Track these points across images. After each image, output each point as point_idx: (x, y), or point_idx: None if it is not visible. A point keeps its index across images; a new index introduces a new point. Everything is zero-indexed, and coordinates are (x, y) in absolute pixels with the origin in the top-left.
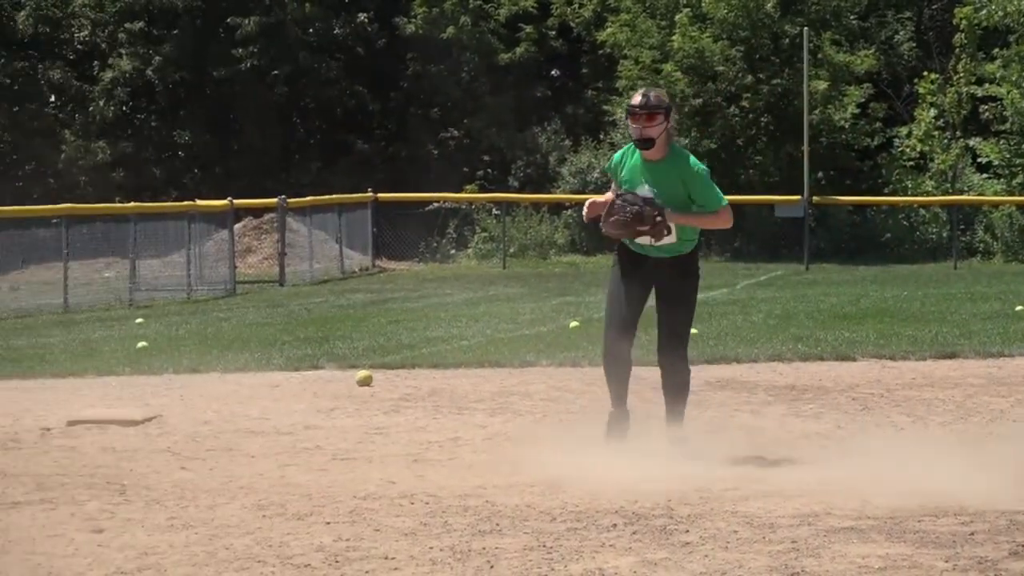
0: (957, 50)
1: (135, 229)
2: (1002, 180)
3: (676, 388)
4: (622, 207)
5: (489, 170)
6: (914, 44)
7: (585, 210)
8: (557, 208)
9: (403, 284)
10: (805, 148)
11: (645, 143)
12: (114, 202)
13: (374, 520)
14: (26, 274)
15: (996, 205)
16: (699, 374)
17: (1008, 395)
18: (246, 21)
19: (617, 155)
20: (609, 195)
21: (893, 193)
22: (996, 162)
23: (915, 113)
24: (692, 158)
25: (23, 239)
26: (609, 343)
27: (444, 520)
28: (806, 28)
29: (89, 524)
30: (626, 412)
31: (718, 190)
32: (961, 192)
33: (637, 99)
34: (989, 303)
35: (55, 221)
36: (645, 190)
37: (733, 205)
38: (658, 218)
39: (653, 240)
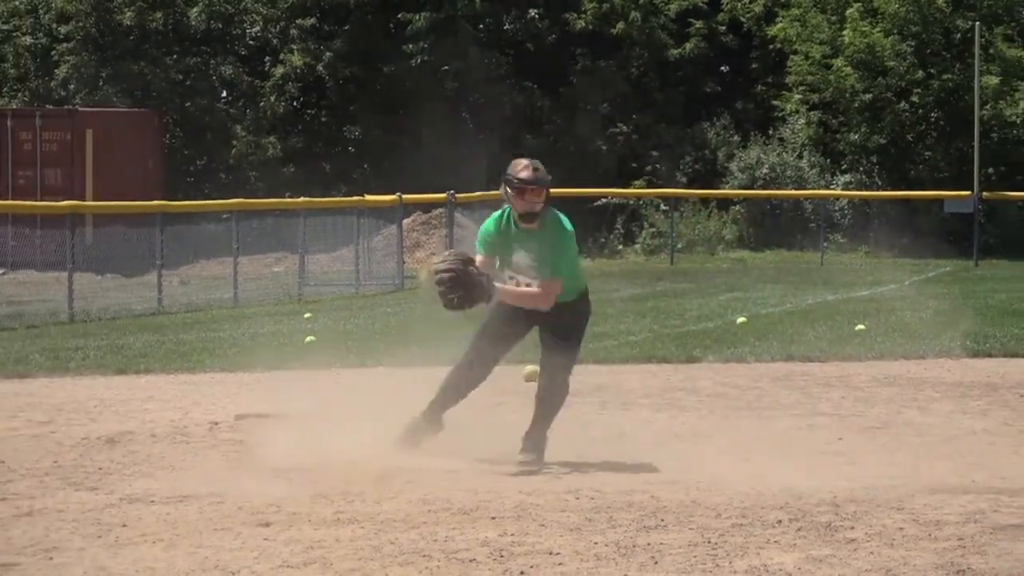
0: None
1: (304, 224)
2: None
3: (549, 397)
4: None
5: (657, 165)
6: None
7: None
8: (725, 203)
9: None
10: (976, 143)
11: (532, 217)
12: (284, 197)
13: (539, 515)
14: (196, 268)
15: None
16: (866, 370)
17: None
18: (417, 17)
19: (487, 227)
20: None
21: None
22: None
23: None
24: (565, 221)
25: (194, 234)
26: (472, 364)
27: (609, 515)
28: (978, 23)
29: (256, 518)
30: (440, 424)
31: (572, 259)
32: None
33: (527, 173)
34: None
35: (225, 216)
36: (522, 256)
37: (903, 200)
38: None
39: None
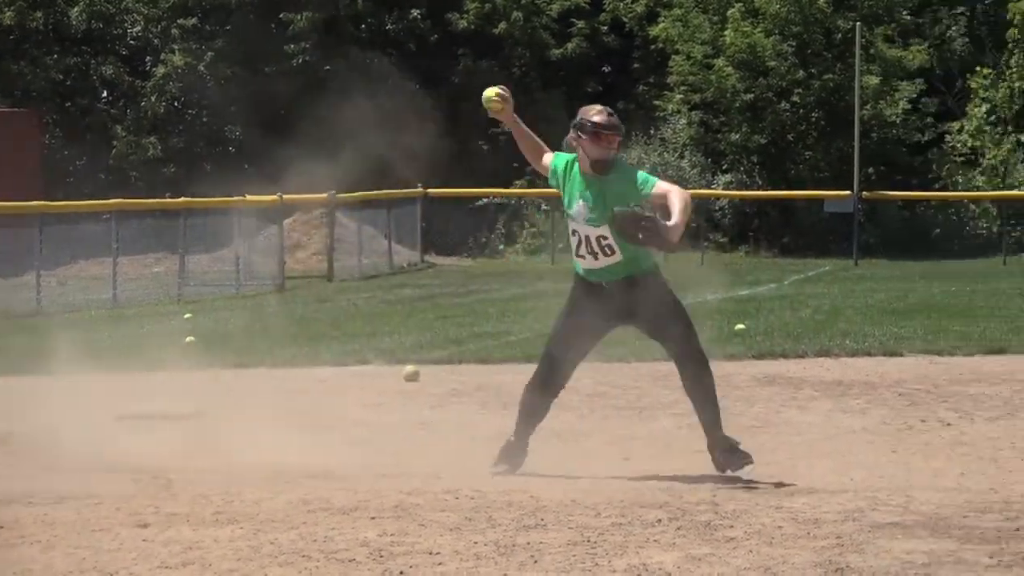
0: (1010, 45)
1: (185, 224)
2: None
3: (705, 392)
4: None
5: None
6: (966, 39)
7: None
8: None
9: (451, 279)
10: (856, 143)
11: (604, 165)
12: (164, 197)
13: (419, 515)
14: (75, 269)
15: None
16: (746, 370)
17: None
18: (298, 17)
19: (559, 161)
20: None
21: (943, 188)
22: None
23: (967, 108)
24: (639, 171)
25: (73, 234)
26: (543, 386)
27: (489, 515)
28: (859, 23)
29: (135, 519)
30: (526, 446)
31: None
32: (1012, 187)
33: (602, 117)
34: None
35: (105, 216)
36: (581, 208)
37: (783, 200)
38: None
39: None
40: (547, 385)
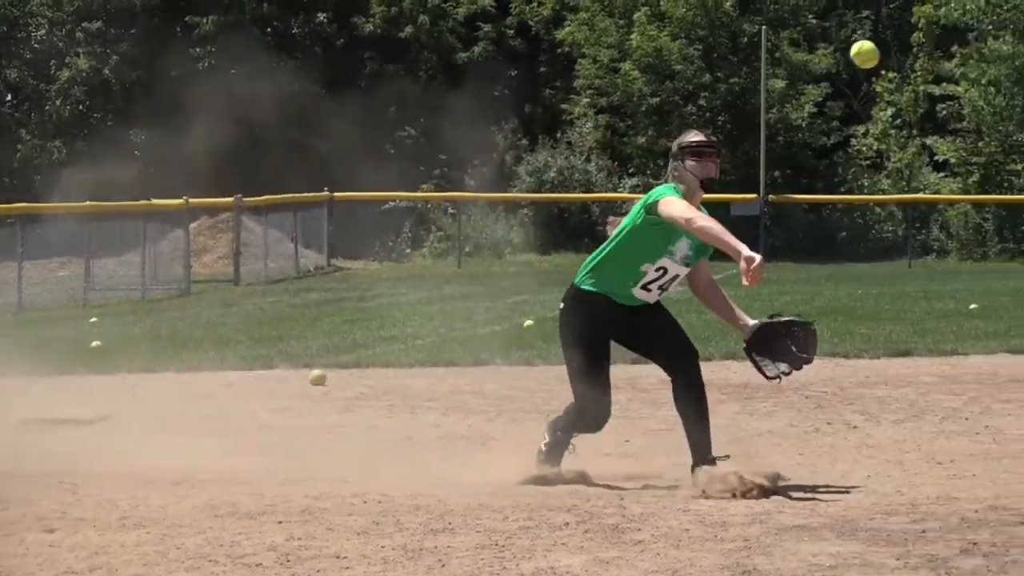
0: (915, 49)
1: (90, 228)
2: (958, 178)
3: (700, 409)
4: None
5: (445, 169)
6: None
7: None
8: (513, 207)
9: (358, 283)
10: (762, 147)
11: (707, 184)
12: (69, 201)
13: (326, 519)
14: None
15: (951, 203)
16: (653, 372)
17: (961, 393)
18: (204, 20)
19: (679, 192)
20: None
21: (849, 192)
22: (952, 160)
23: (872, 112)
24: None
25: None
26: (594, 414)
27: (396, 519)
28: (764, 27)
29: (41, 524)
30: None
31: None
32: (917, 190)
33: (701, 136)
34: (943, 301)
35: (10, 220)
36: (683, 244)
37: None
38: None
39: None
40: (597, 414)
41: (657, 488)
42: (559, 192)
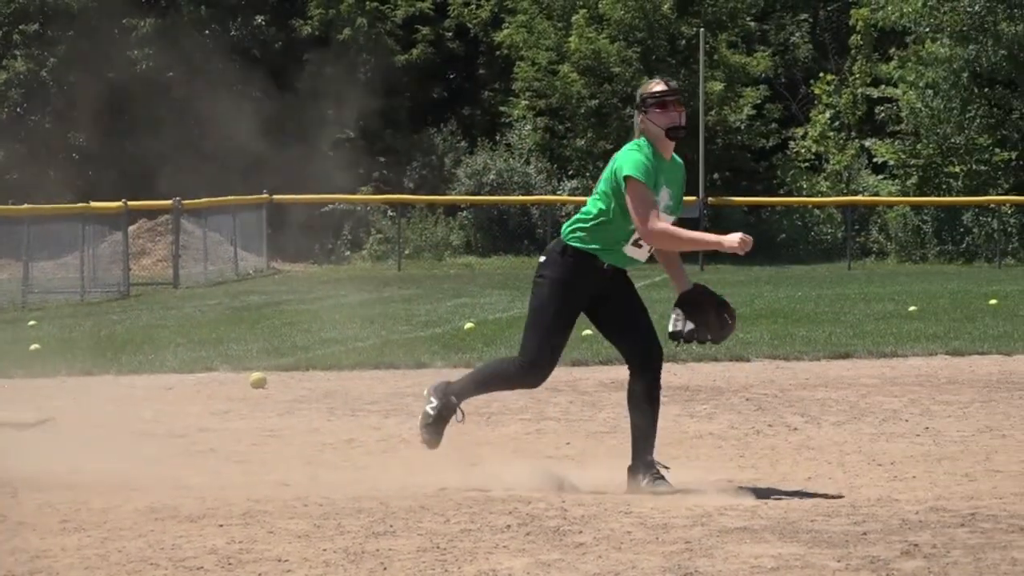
0: (853, 51)
1: (28, 231)
2: (897, 181)
3: (655, 409)
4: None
5: (384, 171)
6: (810, 46)
7: (743, 242)
8: (452, 210)
9: (298, 286)
10: (700, 149)
11: (681, 131)
12: (7, 204)
13: (267, 522)
14: None
15: (890, 205)
16: (593, 375)
17: (901, 395)
18: (142, 23)
19: (645, 153)
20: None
21: (788, 194)
22: (891, 163)
23: (811, 114)
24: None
25: None
26: (540, 369)
27: (338, 522)
28: (702, 29)
29: None
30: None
31: None
32: (856, 193)
33: (662, 85)
34: (882, 303)
35: None
36: (664, 193)
37: None
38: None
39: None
40: (544, 372)
41: (598, 491)
42: (498, 195)
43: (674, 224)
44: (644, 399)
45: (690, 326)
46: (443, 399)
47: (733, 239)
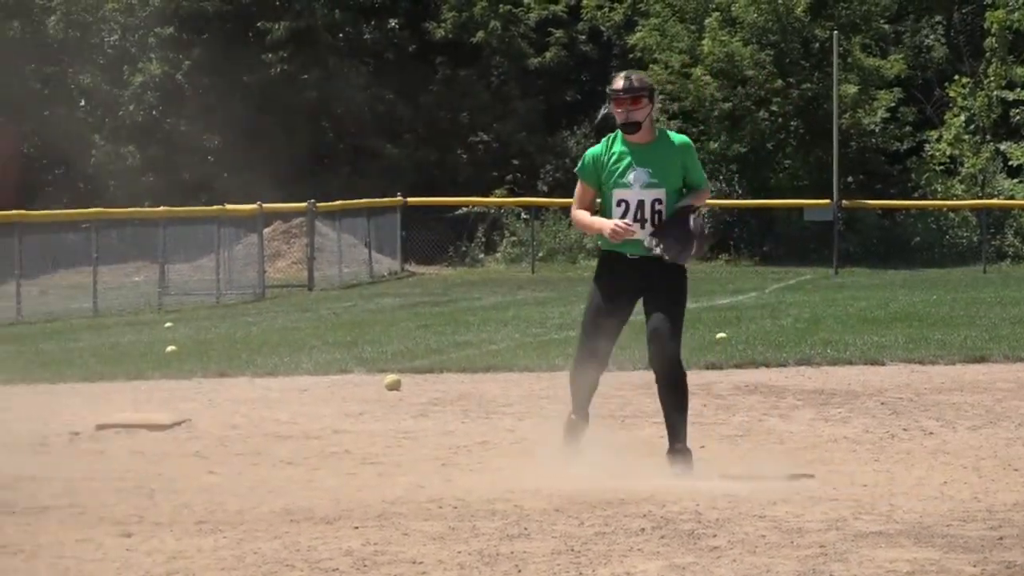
0: (988, 54)
1: (164, 233)
2: None
3: (680, 397)
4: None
5: (518, 174)
6: (945, 48)
7: (612, 232)
8: None
9: (432, 288)
10: (835, 152)
11: (632, 127)
12: (143, 206)
13: (402, 524)
14: (55, 278)
15: None
16: (727, 378)
17: None
18: (276, 26)
19: (595, 150)
20: (617, 222)
21: (923, 197)
22: None
23: (945, 117)
24: (679, 135)
25: (53, 244)
26: (583, 361)
27: (472, 524)
28: (836, 32)
29: (118, 528)
30: (586, 417)
31: (701, 168)
32: (991, 196)
33: (620, 83)
34: (1019, 307)
35: (85, 225)
36: (640, 173)
37: (763, 209)
38: (705, 227)
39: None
40: (593, 360)
41: (733, 494)
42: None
43: (694, 195)
44: (660, 391)
45: (655, 241)
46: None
47: (607, 226)
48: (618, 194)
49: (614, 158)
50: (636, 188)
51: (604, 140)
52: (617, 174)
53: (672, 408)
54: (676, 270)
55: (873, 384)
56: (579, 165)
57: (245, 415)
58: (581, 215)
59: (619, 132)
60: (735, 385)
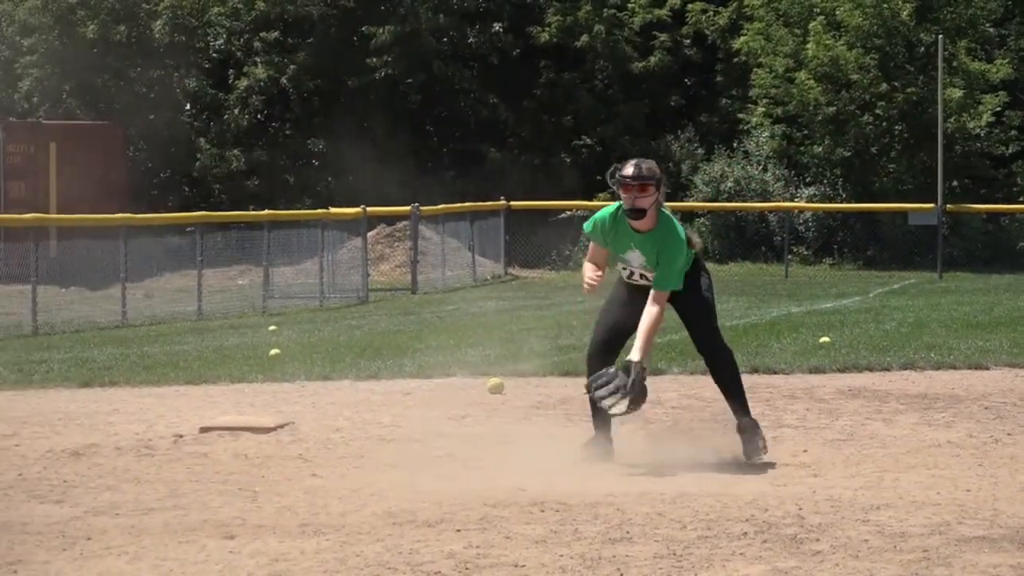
0: None
1: (269, 237)
2: None
3: (725, 375)
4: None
5: None
6: None
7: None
8: (690, 216)
9: (535, 292)
10: (939, 156)
11: (637, 213)
12: (248, 210)
13: (504, 527)
14: (160, 282)
15: None
16: (831, 382)
17: None
18: (381, 30)
19: (603, 215)
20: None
21: None
22: None
23: None
24: (678, 228)
25: (158, 247)
26: (591, 364)
27: (574, 528)
28: (941, 36)
29: (221, 530)
30: (609, 439)
31: (679, 269)
32: None
33: (629, 170)
34: None
35: (190, 229)
36: (636, 255)
37: (866, 213)
38: (644, 373)
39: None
40: (610, 351)
41: (836, 498)
42: (736, 201)
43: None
44: (713, 378)
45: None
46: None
47: (584, 277)
48: (620, 263)
49: (617, 235)
50: (636, 265)
51: (609, 210)
52: (619, 248)
53: (724, 387)
54: (694, 268)
55: (977, 388)
56: (589, 227)
57: (348, 418)
58: (586, 263)
59: (621, 204)
60: (838, 389)
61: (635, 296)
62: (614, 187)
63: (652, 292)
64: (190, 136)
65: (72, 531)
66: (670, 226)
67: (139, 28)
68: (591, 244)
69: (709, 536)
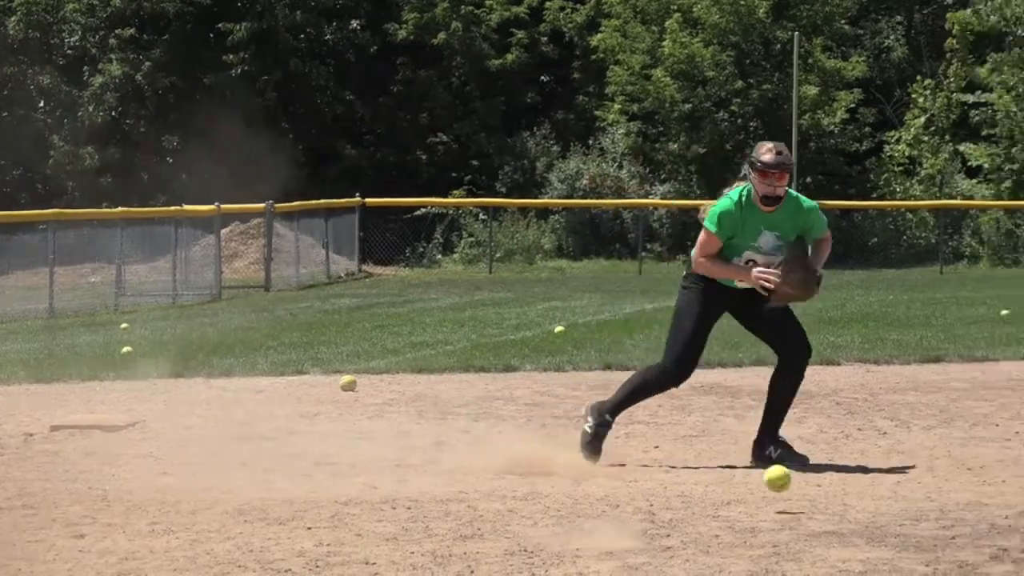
0: (948, 55)
1: (122, 234)
2: (990, 185)
3: (792, 396)
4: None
5: (477, 175)
6: (905, 49)
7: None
8: (544, 213)
9: (389, 289)
10: (793, 153)
11: (774, 200)
12: (101, 207)
13: (355, 525)
14: (11, 279)
15: (984, 209)
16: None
17: (992, 399)
18: (237, 27)
19: (727, 207)
20: (762, 273)
21: (881, 198)
22: (985, 167)
23: (905, 118)
24: (808, 200)
25: (9, 244)
26: (675, 375)
27: (425, 525)
28: (797, 33)
29: (70, 529)
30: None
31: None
32: (949, 197)
33: (771, 156)
34: (974, 308)
35: (42, 226)
36: (768, 237)
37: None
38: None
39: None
40: (685, 372)
41: (686, 494)
42: (591, 198)
43: (819, 246)
44: (788, 387)
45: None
46: (598, 418)
47: (753, 278)
48: (747, 254)
49: (747, 223)
50: (764, 251)
51: (732, 199)
52: (748, 236)
53: (791, 399)
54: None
55: (828, 384)
56: (712, 222)
57: (200, 416)
58: (712, 263)
59: (747, 189)
60: (691, 385)
61: (714, 317)
62: (747, 174)
63: (823, 234)
64: (43, 133)
65: None
66: (796, 198)
67: None
68: (706, 238)
69: (560, 533)
